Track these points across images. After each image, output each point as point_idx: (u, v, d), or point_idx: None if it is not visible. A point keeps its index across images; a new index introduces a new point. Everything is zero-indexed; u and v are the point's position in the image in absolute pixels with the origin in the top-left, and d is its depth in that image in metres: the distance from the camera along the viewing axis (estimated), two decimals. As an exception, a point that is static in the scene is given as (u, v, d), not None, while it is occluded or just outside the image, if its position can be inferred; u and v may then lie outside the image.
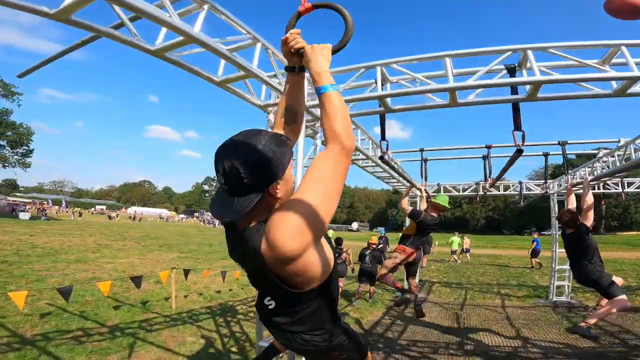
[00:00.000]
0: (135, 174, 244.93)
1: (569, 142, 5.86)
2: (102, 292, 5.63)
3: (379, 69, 3.13)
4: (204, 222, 68.50)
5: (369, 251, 8.52)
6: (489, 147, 6.04)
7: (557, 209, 9.13)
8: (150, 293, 7.74)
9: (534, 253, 16.36)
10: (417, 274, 6.82)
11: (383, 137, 3.96)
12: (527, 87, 2.90)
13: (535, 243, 16.40)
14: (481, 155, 6.45)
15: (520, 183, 9.45)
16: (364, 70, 3.21)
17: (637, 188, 8.78)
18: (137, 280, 5.76)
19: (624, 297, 4.55)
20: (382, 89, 3.08)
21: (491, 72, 3.01)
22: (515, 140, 3.23)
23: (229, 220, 1.26)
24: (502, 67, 3.04)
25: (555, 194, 9.21)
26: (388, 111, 3.23)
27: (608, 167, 6.36)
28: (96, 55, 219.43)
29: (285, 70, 1.54)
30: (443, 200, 5.70)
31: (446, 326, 6.26)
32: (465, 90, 3.02)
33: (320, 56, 1.30)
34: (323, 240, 1.32)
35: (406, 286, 6.42)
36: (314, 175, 1.17)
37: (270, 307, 1.46)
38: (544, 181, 9.68)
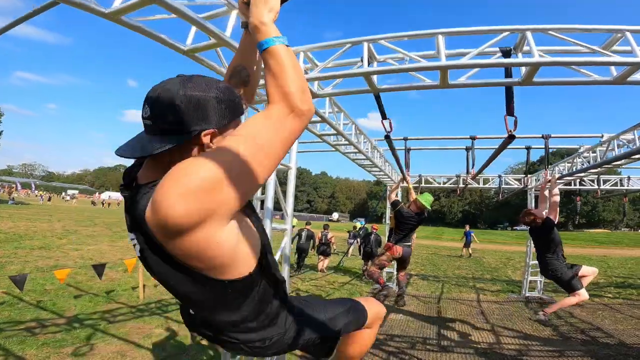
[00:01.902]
0: (111, 158, 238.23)
1: (552, 135, 5.79)
2: (65, 281, 5.27)
3: (365, 44, 2.86)
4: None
5: (373, 235, 10.52)
6: (473, 138, 5.91)
7: (534, 204, 9.19)
8: (117, 282, 7.33)
9: (466, 244, 18.66)
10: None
11: (384, 116, 3.67)
12: (523, 70, 2.71)
13: (467, 235, 18.74)
14: (464, 147, 6.35)
15: (500, 177, 9.46)
16: (349, 46, 2.93)
17: (612, 185, 8.95)
18: (99, 269, 5.37)
19: (583, 291, 4.80)
20: (368, 67, 2.82)
21: (483, 54, 2.80)
22: (507, 126, 3.04)
23: (129, 156, 0.95)
24: (497, 49, 2.85)
25: (533, 189, 9.25)
26: (374, 90, 2.97)
27: (589, 162, 6.36)
28: (73, 37, 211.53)
29: (241, 28, 1.34)
30: (425, 199, 5.81)
31: (424, 320, 6.18)
32: (457, 70, 2.80)
33: (262, 4, 0.98)
34: (245, 219, 1.06)
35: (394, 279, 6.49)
36: (246, 131, 0.89)
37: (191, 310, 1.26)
38: (522, 175, 9.76)
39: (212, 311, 1.14)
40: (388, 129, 3.81)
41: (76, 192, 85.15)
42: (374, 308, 1.68)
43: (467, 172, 6.27)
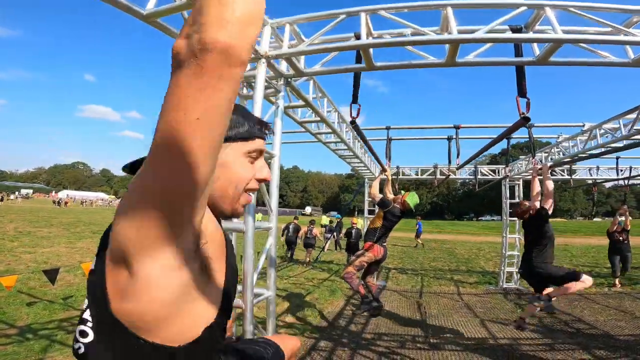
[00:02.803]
0: (68, 155, 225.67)
1: (535, 124, 5.71)
2: (15, 287, 4.66)
3: (363, 15, 2.52)
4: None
5: (354, 230, 11.11)
6: (457, 127, 5.73)
7: (508, 194, 9.26)
8: (75, 287, 6.65)
9: (417, 234, 19.14)
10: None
11: (355, 100, 3.30)
12: (537, 50, 2.47)
13: (418, 225, 19.21)
14: (446, 136, 6.16)
15: (476, 167, 9.45)
16: (344, 16, 2.58)
17: (581, 175, 9.17)
18: (52, 274, 4.74)
19: (586, 277, 4.23)
20: (366, 40, 2.48)
21: (492, 32, 2.54)
22: (520, 108, 2.77)
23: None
24: (506, 27, 2.59)
25: (507, 180, 9.28)
26: (370, 68, 2.64)
27: (568, 151, 6.38)
28: (25, 30, 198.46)
29: None
30: (413, 201, 5.50)
31: (409, 316, 5.99)
32: (464, 50, 2.53)
33: None
34: (212, 264, 0.76)
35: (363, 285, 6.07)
36: (168, 118, 0.53)
37: (80, 350, 0.84)
38: (498, 166, 9.82)
39: None
40: (355, 114, 3.43)
41: (30, 191, 79.60)
42: (288, 345, 1.45)
43: (449, 163, 6.07)
